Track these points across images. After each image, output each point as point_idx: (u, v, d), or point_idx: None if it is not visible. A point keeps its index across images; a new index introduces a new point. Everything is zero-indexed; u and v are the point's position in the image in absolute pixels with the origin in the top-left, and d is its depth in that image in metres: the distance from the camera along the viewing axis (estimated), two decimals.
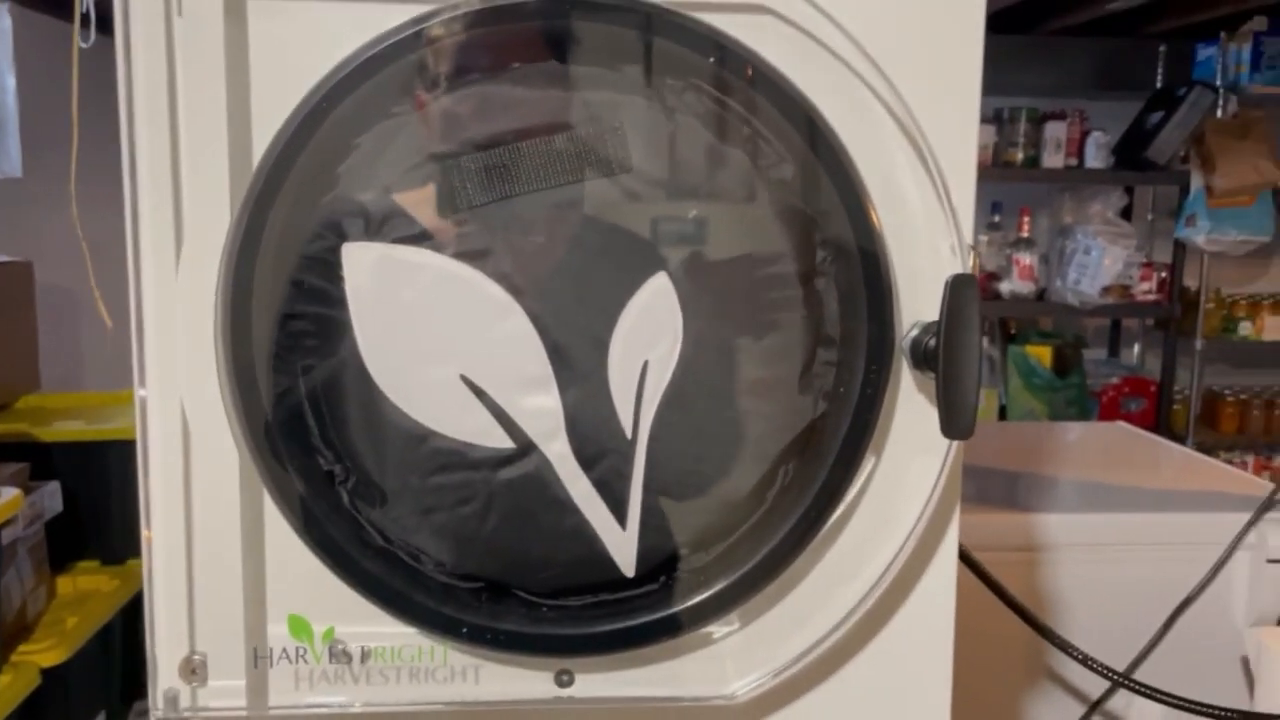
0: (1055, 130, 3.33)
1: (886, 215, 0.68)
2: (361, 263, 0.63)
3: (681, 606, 0.69)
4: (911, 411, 0.71)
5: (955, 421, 0.64)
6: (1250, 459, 3.53)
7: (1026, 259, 3.42)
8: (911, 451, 0.71)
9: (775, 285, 0.67)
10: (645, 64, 0.65)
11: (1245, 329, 3.48)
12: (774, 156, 0.66)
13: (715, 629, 0.71)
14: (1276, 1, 3.01)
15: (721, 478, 0.68)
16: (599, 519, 0.67)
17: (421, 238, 0.63)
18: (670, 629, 0.69)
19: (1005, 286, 3.43)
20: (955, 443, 0.70)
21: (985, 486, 1.85)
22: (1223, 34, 3.27)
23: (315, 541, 0.66)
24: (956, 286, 0.63)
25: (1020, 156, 3.37)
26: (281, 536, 0.67)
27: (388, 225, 0.63)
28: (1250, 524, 1.62)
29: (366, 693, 0.69)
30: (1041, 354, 3.43)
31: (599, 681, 0.71)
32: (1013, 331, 3.67)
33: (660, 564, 0.69)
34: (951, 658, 0.76)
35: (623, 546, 0.67)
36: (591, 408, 0.66)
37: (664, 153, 0.66)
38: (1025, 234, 3.46)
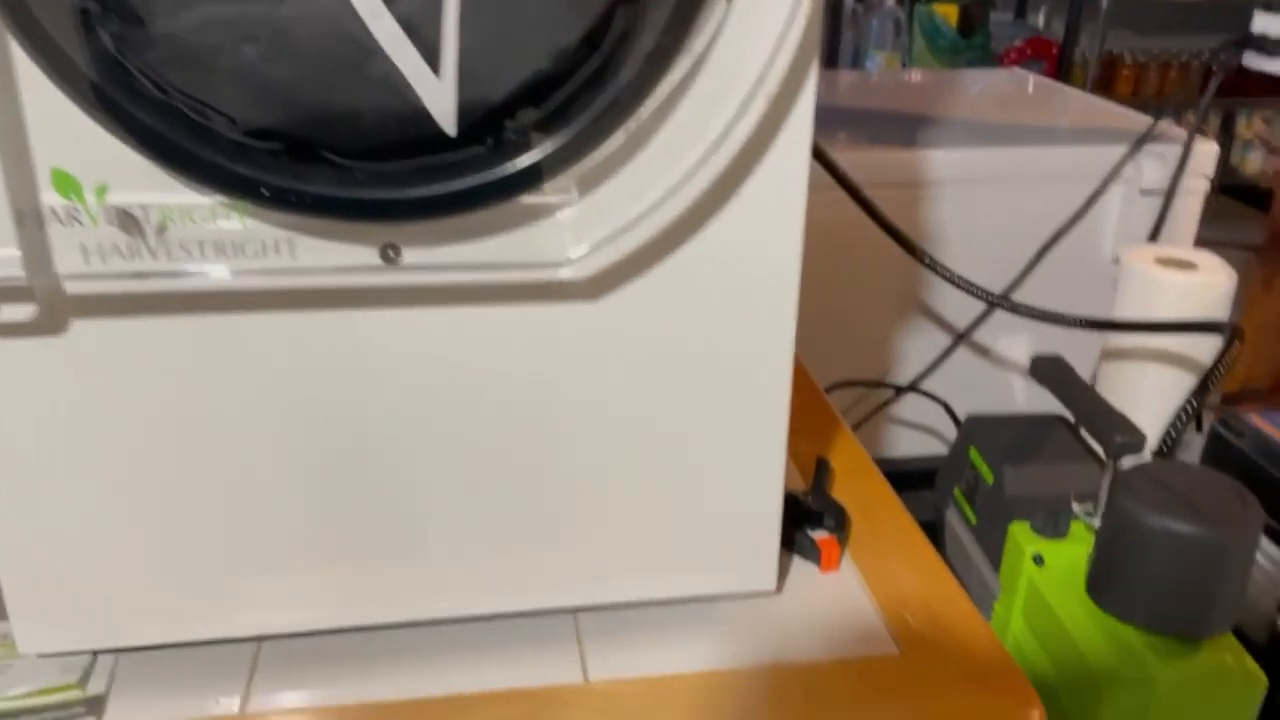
0: None
1: None
2: None
3: (512, 168, 0.63)
4: None
5: None
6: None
7: None
8: None
9: None
10: None
11: None
12: None
13: (552, 198, 0.66)
14: None
15: (550, 17, 0.60)
16: (408, 64, 0.58)
17: None
18: (500, 191, 0.63)
19: None
20: None
21: (878, 128, 1.80)
22: None
23: (74, 88, 0.57)
24: None
25: None
26: (41, 92, 0.58)
27: None
28: (1127, 157, 1.62)
29: (167, 266, 0.63)
30: (948, 13, 3.29)
31: (427, 255, 0.66)
32: None
33: (485, 120, 0.61)
34: (801, 233, 0.72)
35: (439, 97, 0.60)
36: None
37: None
38: None
